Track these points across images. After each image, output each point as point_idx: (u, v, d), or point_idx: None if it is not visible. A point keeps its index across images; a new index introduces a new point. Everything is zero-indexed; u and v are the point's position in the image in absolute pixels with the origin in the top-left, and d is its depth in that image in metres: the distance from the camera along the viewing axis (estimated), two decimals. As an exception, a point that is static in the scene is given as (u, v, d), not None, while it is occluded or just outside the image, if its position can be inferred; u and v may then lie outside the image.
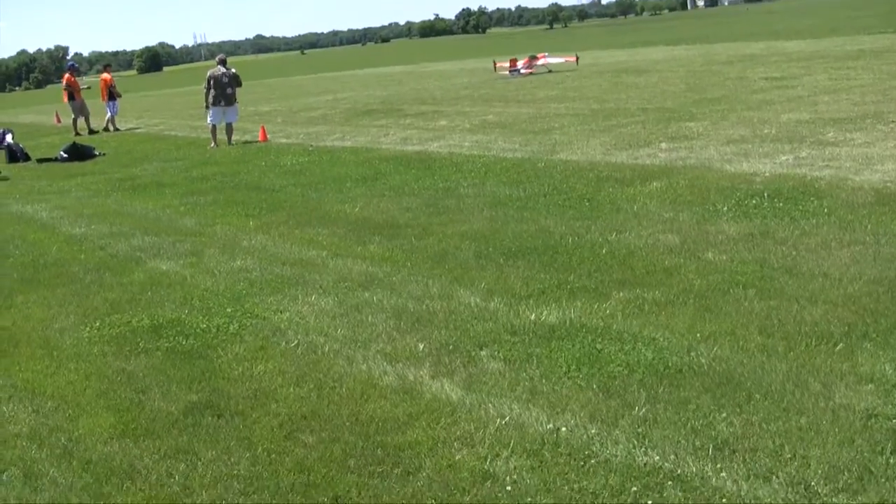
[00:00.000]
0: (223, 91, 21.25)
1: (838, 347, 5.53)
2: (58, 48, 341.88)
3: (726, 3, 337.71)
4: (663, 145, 14.43)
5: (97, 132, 29.80)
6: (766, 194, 9.95)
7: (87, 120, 30.53)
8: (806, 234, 8.24)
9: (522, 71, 37.19)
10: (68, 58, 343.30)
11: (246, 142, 21.51)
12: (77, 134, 29.29)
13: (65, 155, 22.15)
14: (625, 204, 10.23)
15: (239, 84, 21.74)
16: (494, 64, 41.17)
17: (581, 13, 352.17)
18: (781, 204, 9.45)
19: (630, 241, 8.53)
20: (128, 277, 9.05)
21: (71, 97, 30.38)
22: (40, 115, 49.99)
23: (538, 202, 10.79)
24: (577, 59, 39.47)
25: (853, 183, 10.23)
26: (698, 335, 5.92)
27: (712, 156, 13.02)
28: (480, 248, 8.77)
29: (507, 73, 37.51)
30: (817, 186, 10.19)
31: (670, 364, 5.49)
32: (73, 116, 30.71)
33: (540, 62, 38.33)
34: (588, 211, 10.05)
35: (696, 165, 12.37)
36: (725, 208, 9.53)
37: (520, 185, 12.00)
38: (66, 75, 31.52)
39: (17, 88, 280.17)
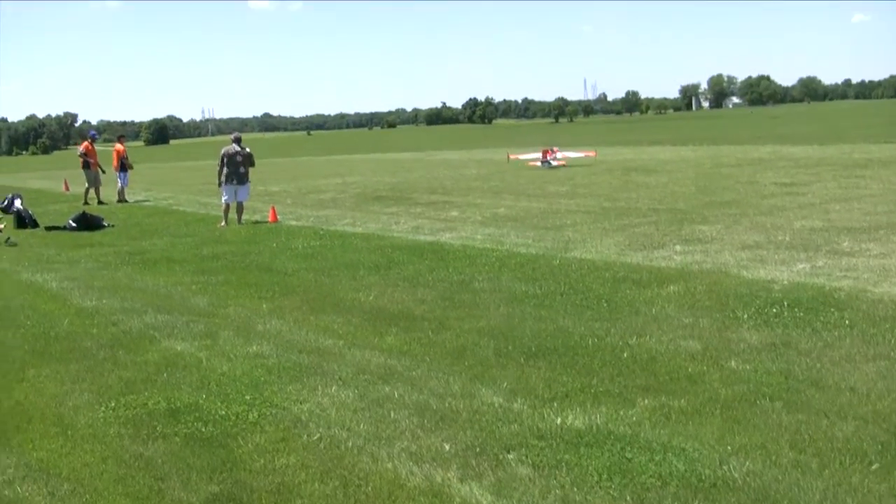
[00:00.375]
0: (236, 169, 21.35)
1: (874, 467, 5.44)
2: (67, 115, 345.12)
3: (730, 106, 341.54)
4: (678, 247, 14.44)
5: (105, 203, 29.88)
6: (785, 303, 9.91)
7: (97, 190, 30.67)
8: (829, 346, 8.18)
9: (553, 163, 37.96)
10: (76, 124, 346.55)
11: (256, 221, 21.55)
12: (86, 203, 29.40)
13: (74, 224, 22.17)
14: (643, 306, 10.18)
15: (252, 164, 21.85)
16: (508, 156, 41.88)
17: (587, 108, 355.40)
18: (802, 314, 9.40)
19: (651, 346, 8.46)
20: (142, 356, 8.95)
21: (86, 165, 30.61)
22: (49, 182, 50.24)
23: (555, 300, 10.74)
24: (596, 154, 40.50)
25: (873, 295, 10.22)
26: (729, 448, 5.83)
27: (728, 261, 13.03)
28: (499, 345, 8.69)
29: (538, 164, 38.48)
30: (837, 297, 10.16)
31: (703, 477, 5.39)
32: (85, 185, 30.87)
33: (559, 156, 38.91)
34: (606, 312, 10.00)
35: (712, 270, 12.36)
36: (745, 316, 9.48)
37: (535, 282, 11.96)
38: (86, 143, 31.76)
39: (24, 152, 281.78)
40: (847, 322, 9.00)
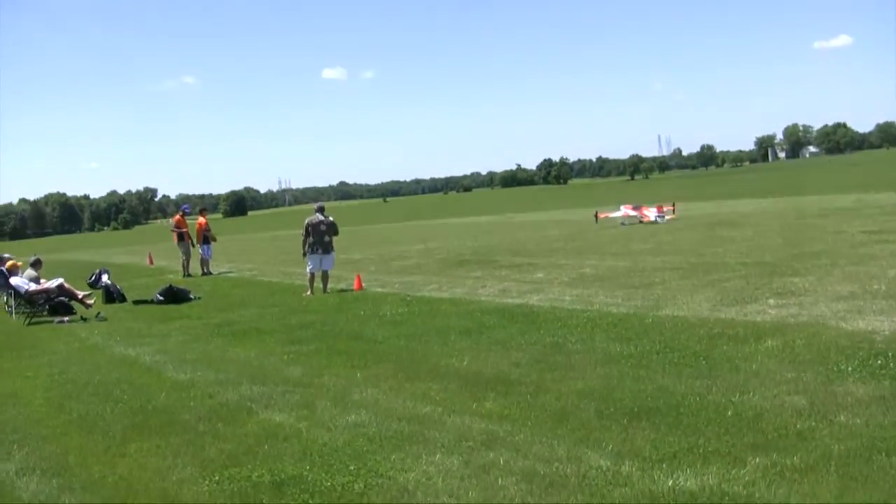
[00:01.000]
0: (321, 239, 21.57)
1: None
2: (146, 190, 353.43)
3: (807, 156, 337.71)
4: (771, 301, 14.23)
5: (191, 276, 30.38)
6: (890, 354, 9.70)
7: (187, 263, 31.27)
8: (942, 399, 7.96)
9: (665, 218, 38.89)
10: (156, 198, 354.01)
11: (342, 290, 21.69)
12: (187, 275, 30.12)
13: (161, 297, 22.51)
14: (742, 363, 10.01)
15: (336, 232, 22.05)
16: (597, 214, 42.10)
17: (662, 164, 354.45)
18: (909, 366, 9.19)
19: (755, 403, 8.30)
20: (241, 428, 8.99)
21: (181, 238, 31.39)
22: (133, 256, 51.27)
23: (651, 359, 10.61)
24: (674, 207, 41.55)
25: (982, 346, 9.95)
26: (850, 507, 5.68)
27: (824, 312, 12.80)
28: (600, 406, 8.59)
29: (650, 218, 39.14)
30: (944, 349, 9.91)
31: (827, 539, 5.25)
32: (181, 258, 31.56)
33: (652, 216, 39.28)
34: (705, 369, 9.84)
35: (809, 323, 12.14)
36: (850, 368, 9.27)
37: (629, 342, 11.83)
38: (178, 216, 32.65)
39: (105, 228, 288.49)
40: (958, 373, 8.76)
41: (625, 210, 41.36)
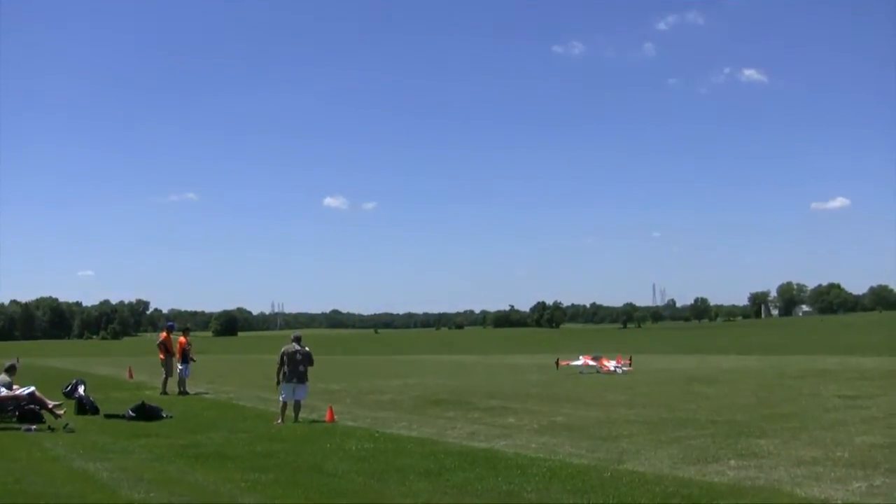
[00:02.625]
0: (295, 368, 21.62)
1: None
2: (139, 302, 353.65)
3: (800, 314, 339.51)
4: (732, 462, 14.31)
5: (167, 394, 30.30)
6: (837, 526, 9.75)
7: (166, 381, 31.27)
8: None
9: (622, 370, 40.11)
10: (147, 312, 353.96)
11: (313, 420, 21.64)
12: (164, 393, 30.13)
13: (132, 414, 22.45)
14: (691, 524, 10.05)
15: (311, 363, 22.10)
16: (558, 361, 43.36)
17: (655, 314, 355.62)
18: (854, 539, 9.24)
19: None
20: (182, 555, 8.98)
21: (168, 355, 31.53)
22: (114, 368, 51.13)
23: (602, 514, 10.63)
24: (630, 361, 42.43)
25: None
26: None
27: (782, 477, 12.91)
28: (540, 559, 8.61)
29: (609, 368, 40.20)
30: (891, 524, 9.96)
31: None
32: (163, 374, 31.59)
33: (610, 367, 40.51)
34: (653, 528, 9.88)
35: (765, 487, 12.22)
36: (795, 539, 9.33)
37: (584, 494, 11.85)
38: (163, 333, 32.77)
39: (94, 336, 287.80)
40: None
41: (584, 359, 42.52)
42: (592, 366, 40.97)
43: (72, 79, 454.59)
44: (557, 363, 43.24)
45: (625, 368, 40.63)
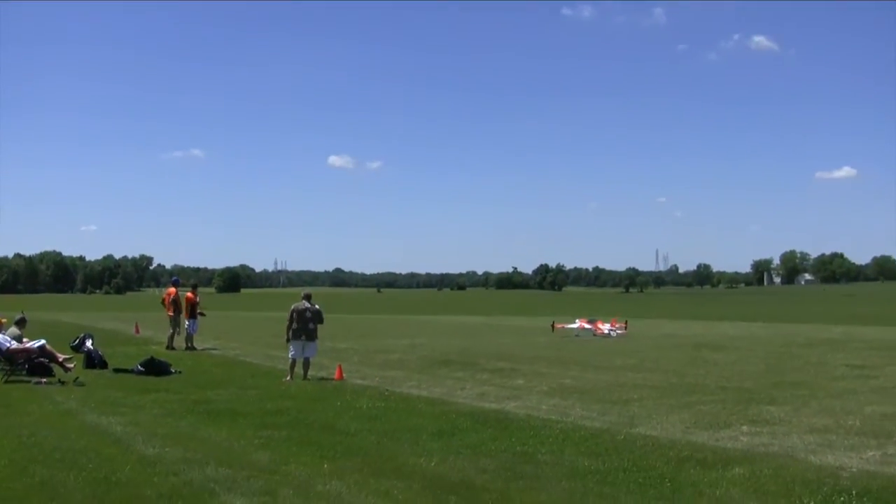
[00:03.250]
0: (305, 326, 21.65)
1: None
2: (143, 257, 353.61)
3: (802, 283, 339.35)
4: (744, 428, 14.29)
5: (175, 349, 30.32)
6: (854, 492, 9.74)
7: (172, 336, 31.28)
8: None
9: (616, 333, 40.91)
10: (151, 267, 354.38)
11: (322, 378, 21.69)
12: (171, 348, 30.26)
13: (141, 368, 22.48)
14: (707, 488, 10.05)
15: (321, 321, 22.14)
16: (553, 325, 43.80)
17: (658, 279, 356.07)
18: (871, 504, 9.24)
19: (714, 532, 8.33)
20: (201, 510, 8.99)
21: (177, 311, 31.51)
22: (120, 323, 51.12)
23: (618, 477, 10.63)
24: (626, 325, 43.49)
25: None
26: None
27: (795, 444, 12.86)
28: (559, 521, 8.62)
29: (604, 331, 40.88)
30: (909, 494, 9.94)
31: None
32: (170, 330, 31.58)
33: (603, 331, 41.29)
34: (669, 492, 9.88)
35: (778, 453, 12.19)
36: (812, 503, 9.32)
37: (599, 457, 11.85)
38: (172, 289, 32.77)
39: (97, 291, 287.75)
40: (918, 518, 8.81)
41: (580, 323, 43.09)
42: (588, 329, 41.41)
43: (77, 33, 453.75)
44: (553, 326, 43.61)
45: (619, 331, 41.24)
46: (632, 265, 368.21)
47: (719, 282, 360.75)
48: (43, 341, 22.17)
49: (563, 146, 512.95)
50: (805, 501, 9.42)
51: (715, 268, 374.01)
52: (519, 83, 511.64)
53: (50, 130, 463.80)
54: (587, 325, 42.08)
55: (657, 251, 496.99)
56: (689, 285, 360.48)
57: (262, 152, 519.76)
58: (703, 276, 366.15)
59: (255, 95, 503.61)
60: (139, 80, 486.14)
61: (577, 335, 40.55)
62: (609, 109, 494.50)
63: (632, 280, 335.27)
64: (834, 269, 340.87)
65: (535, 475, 10.78)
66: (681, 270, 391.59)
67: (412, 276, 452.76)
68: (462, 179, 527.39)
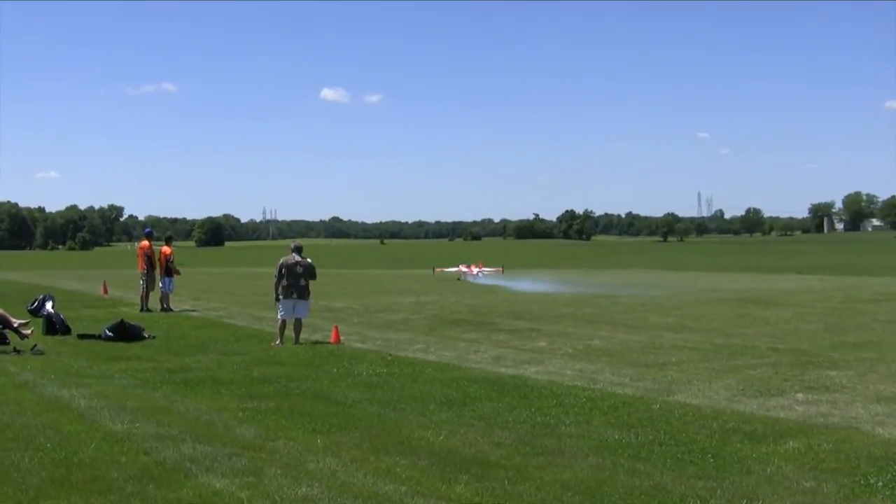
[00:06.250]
0: (296, 282, 21.61)
1: None
2: (111, 207, 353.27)
3: (869, 229, 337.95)
4: (800, 396, 14.26)
5: (150, 311, 30.37)
6: (928, 471, 9.70)
7: (146, 296, 31.24)
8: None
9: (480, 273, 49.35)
10: (121, 219, 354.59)
11: (316, 342, 21.72)
12: (146, 310, 30.48)
13: (110, 333, 22.42)
14: (756, 465, 10.02)
15: (313, 276, 22.08)
16: (434, 269, 53.47)
17: (700, 226, 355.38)
18: (949, 484, 9.19)
19: (764, 513, 8.30)
20: (175, 493, 8.97)
21: (150, 266, 31.40)
22: (86, 283, 51.06)
23: (652, 452, 10.61)
24: (503, 269, 52.28)
25: None
26: None
27: (860, 414, 12.83)
28: (585, 501, 8.59)
29: (468, 277, 48.80)
30: None
31: None
32: (141, 288, 31.52)
33: (474, 272, 49.54)
34: (712, 469, 9.85)
35: (840, 425, 12.16)
36: (880, 483, 9.28)
37: (631, 429, 11.85)
38: (145, 242, 32.64)
39: (60, 247, 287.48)
40: None
41: (461, 267, 51.52)
42: (465, 272, 49.15)
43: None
44: (434, 270, 50.82)
45: (485, 271, 49.31)
46: (670, 210, 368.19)
47: (771, 229, 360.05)
48: (-5, 304, 22.15)
49: (588, 72, 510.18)
50: (871, 481, 9.37)
51: (766, 213, 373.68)
52: (536, 4, 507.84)
53: (2, 61, 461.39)
54: (464, 269, 49.78)
55: (699, 194, 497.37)
56: (737, 233, 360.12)
57: (245, 86, 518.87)
58: (753, 223, 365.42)
59: (236, 19, 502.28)
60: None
61: (459, 279, 48.07)
62: (639, 26, 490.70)
63: (670, 227, 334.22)
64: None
65: (557, 449, 10.76)
66: (727, 216, 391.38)
67: (419, 224, 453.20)
68: (474, 114, 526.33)
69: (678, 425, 12.11)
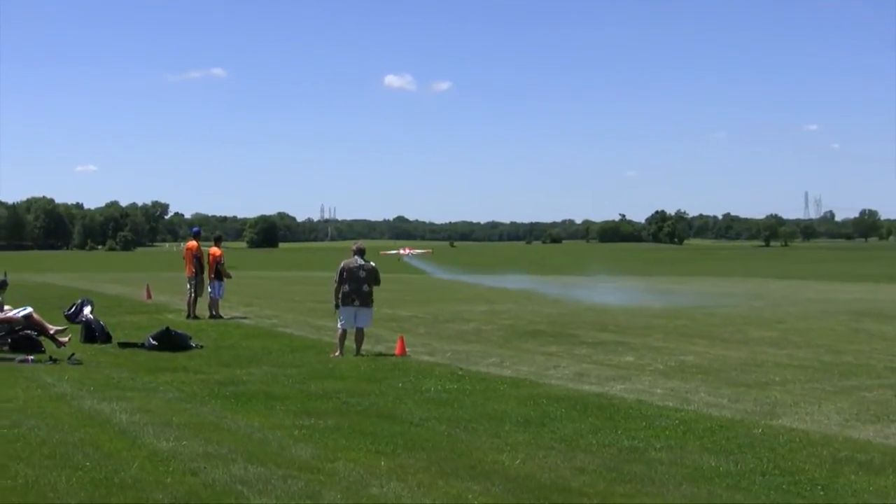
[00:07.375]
0: (358, 288, 21.66)
1: None
2: (155, 204, 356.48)
3: None
4: (923, 421, 14.08)
5: (198, 318, 30.59)
6: None
7: (194, 302, 31.39)
8: None
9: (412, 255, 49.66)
10: (166, 216, 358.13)
11: (379, 353, 21.81)
12: (193, 317, 30.97)
13: (154, 342, 22.59)
14: (873, 499, 9.93)
15: (377, 282, 22.10)
16: (380, 253, 58.03)
17: (807, 230, 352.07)
18: None
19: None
20: (225, 518, 9.05)
21: (199, 269, 31.47)
22: (128, 287, 51.62)
23: (754, 482, 10.53)
24: (431, 252, 51.98)
25: None
26: None
27: None
28: (678, 536, 8.55)
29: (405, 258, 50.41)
30: None
31: None
32: (188, 294, 31.69)
33: (405, 253, 51.13)
34: (822, 502, 9.75)
35: (975, 458, 11.96)
36: None
37: (729, 456, 11.76)
38: (192, 242, 32.78)
39: (99, 247, 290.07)
40: None
41: (400, 251, 57.86)
42: (405, 254, 52.72)
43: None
44: (379, 253, 51.07)
45: (416, 252, 50.97)
46: (773, 212, 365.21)
47: (889, 233, 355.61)
48: (29, 309, 22.31)
49: (679, 59, 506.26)
50: None
51: (883, 215, 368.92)
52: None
53: (35, 46, 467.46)
54: (403, 252, 54.31)
55: (806, 194, 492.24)
56: (849, 237, 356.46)
57: (302, 72, 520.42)
58: (868, 226, 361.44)
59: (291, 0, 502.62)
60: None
61: (399, 259, 52.73)
62: (739, 8, 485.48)
63: (773, 231, 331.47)
64: None
65: (646, 477, 10.72)
66: (837, 218, 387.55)
67: (493, 225, 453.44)
68: (551, 104, 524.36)
69: (783, 453, 12.00)
